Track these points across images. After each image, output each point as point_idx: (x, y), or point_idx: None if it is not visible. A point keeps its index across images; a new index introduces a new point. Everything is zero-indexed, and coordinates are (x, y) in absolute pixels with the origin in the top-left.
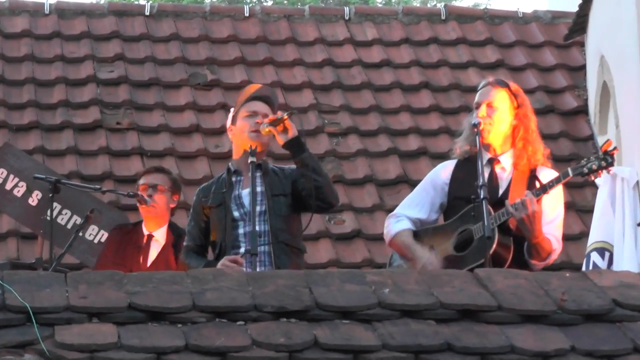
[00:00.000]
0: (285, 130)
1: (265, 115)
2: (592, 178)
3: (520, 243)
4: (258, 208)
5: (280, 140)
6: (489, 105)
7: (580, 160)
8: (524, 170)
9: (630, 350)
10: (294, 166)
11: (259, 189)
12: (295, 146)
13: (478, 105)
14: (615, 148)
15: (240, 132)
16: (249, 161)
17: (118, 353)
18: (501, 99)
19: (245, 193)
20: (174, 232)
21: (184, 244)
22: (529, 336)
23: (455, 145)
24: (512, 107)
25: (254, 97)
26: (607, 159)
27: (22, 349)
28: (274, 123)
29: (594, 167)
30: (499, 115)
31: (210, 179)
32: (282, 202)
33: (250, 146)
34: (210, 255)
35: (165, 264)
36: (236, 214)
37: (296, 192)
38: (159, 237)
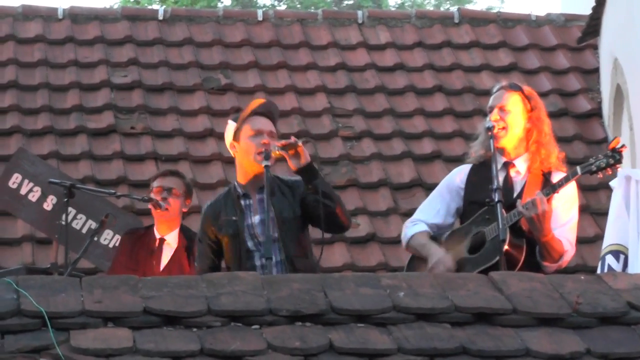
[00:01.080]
0: (297, 155)
1: (270, 134)
2: (601, 176)
3: (533, 246)
4: (272, 235)
5: (293, 165)
6: (502, 109)
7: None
8: (537, 173)
9: None
10: (299, 178)
11: (270, 214)
12: (307, 173)
13: (491, 109)
14: (623, 145)
15: (246, 154)
16: (263, 165)
17: (133, 358)
18: (514, 103)
19: (257, 221)
20: (186, 235)
21: (196, 266)
22: (544, 339)
23: (471, 150)
24: (525, 110)
25: (258, 113)
26: (615, 156)
27: (38, 353)
28: (285, 148)
29: (602, 164)
30: (512, 118)
31: (219, 193)
32: (293, 227)
33: (265, 149)
34: None
35: (179, 267)
36: (250, 244)
37: (306, 210)
38: (171, 241)
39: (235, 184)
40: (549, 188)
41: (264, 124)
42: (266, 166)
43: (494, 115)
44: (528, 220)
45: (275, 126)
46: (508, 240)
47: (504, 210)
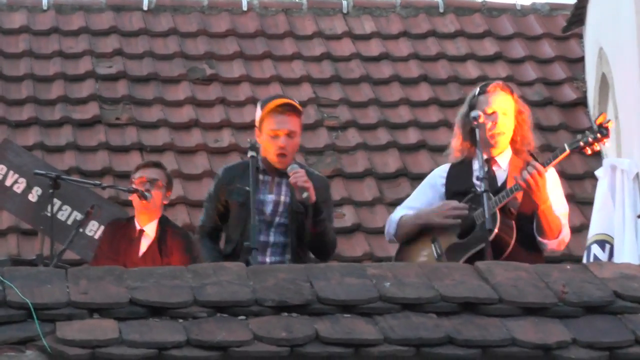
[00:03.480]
0: (305, 199)
1: (289, 134)
2: (588, 152)
3: (524, 231)
4: (277, 219)
5: (298, 196)
6: (505, 114)
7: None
8: (520, 166)
9: (632, 342)
10: (318, 176)
11: (282, 197)
12: (308, 209)
13: (493, 111)
14: (609, 120)
15: (267, 149)
16: (248, 155)
17: (119, 348)
18: (511, 106)
19: (269, 199)
20: (162, 226)
21: (200, 223)
22: (530, 329)
23: (455, 149)
24: (515, 112)
25: (279, 111)
26: (602, 131)
27: (24, 345)
28: (297, 186)
29: (590, 139)
30: (510, 122)
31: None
32: (303, 220)
33: (250, 140)
34: (222, 245)
35: (152, 259)
36: (256, 218)
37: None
38: (149, 232)
39: (260, 157)
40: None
41: (283, 123)
42: (252, 156)
43: (500, 119)
44: (526, 187)
45: (300, 123)
46: (498, 222)
47: (492, 195)
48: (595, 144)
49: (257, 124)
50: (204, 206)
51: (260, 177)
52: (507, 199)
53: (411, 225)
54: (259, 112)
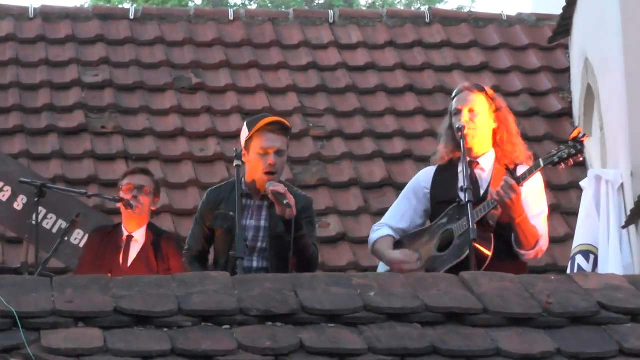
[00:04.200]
0: (286, 205)
1: (278, 152)
2: (564, 167)
3: (504, 241)
4: (259, 244)
5: (278, 211)
6: (471, 110)
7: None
8: (502, 169)
9: (616, 353)
10: (302, 194)
11: (262, 222)
12: (288, 225)
13: (458, 111)
14: (584, 135)
15: (254, 168)
16: (234, 164)
17: (104, 357)
18: (481, 104)
19: (251, 225)
20: (153, 231)
21: (186, 247)
22: (515, 339)
23: (438, 153)
24: (491, 110)
25: (268, 130)
26: (576, 147)
27: (9, 353)
28: (276, 195)
29: (564, 155)
30: (480, 119)
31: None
32: (284, 242)
33: (236, 150)
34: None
35: (146, 264)
36: (242, 226)
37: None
38: (139, 238)
39: (243, 180)
40: (514, 179)
41: (273, 141)
42: (237, 166)
43: (464, 116)
44: (501, 204)
45: (287, 141)
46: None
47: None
48: (570, 159)
49: (243, 143)
50: (191, 228)
51: (243, 201)
52: (484, 213)
53: (379, 257)
54: (245, 132)
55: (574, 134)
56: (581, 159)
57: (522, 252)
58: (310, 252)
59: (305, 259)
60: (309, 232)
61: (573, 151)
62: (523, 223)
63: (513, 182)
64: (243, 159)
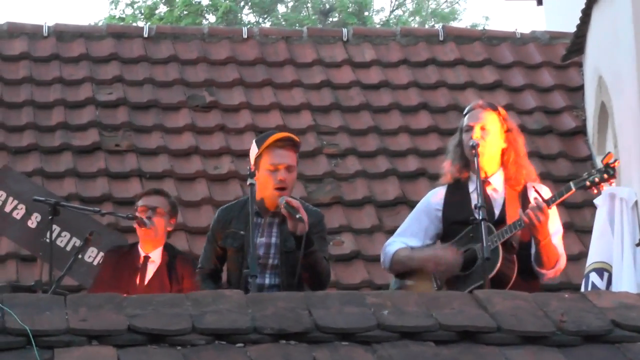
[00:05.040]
0: (298, 220)
1: (288, 168)
2: (595, 191)
3: (522, 260)
4: (270, 261)
5: (290, 227)
6: (482, 128)
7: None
8: (515, 190)
9: None
10: (314, 209)
11: (272, 239)
12: (299, 241)
13: (470, 128)
14: (616, 160)
15: (264, 185)
16: (248, 183)
17: None
18: (493, 122)
19: (262, 242)
20: (169, 252)
21: (199, 266)
22: (529, 357)
23: (444, 171)
24: (502, 130)
25: (278, 146)
26: (608, 172)
27: None
28: (289, 209)
29: (597, 179)
30: (491, 138)
31: (215, 204)
32: (294, 258)
33: (249, 168)
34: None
35: (160, 284)
36: (255, 244)
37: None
38: (155, 258)
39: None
40: (544, 201)
41: (282, 157)
42: (250, 184)
43: (476, 133)
44: (531, 227)
45: (296, 157)
46: (501, 258)
47: (493, 227)
48: (602, 184)
49: (252, 161)
50: (204, 247)
51: (255, 219)
52: (509, 234)
53: (404, 265)
54: (255, 150)
55: (606, 159)
56: (613, 184)
57: (543, 271)
58: (322, 267)
59: (316, 274)
60: (320, 247)
61: (605, 176)
62: (548, 244)
63: (543, 204)
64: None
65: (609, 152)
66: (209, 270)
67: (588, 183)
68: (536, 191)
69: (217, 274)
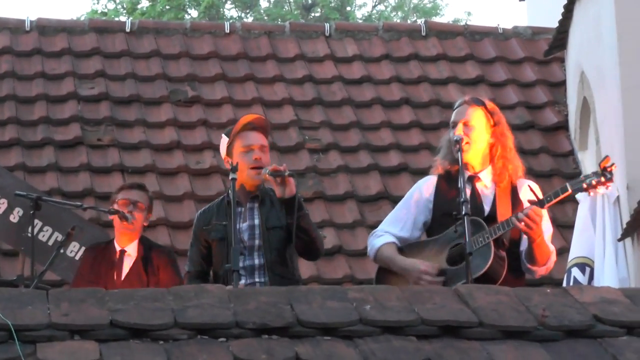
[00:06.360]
0: (283, 185)
1: (261, 148)
2: (590, 193)
3: (512, 257)
4: (256, 242)
5: (278, 193)
6: (466, 124)
7: (576, 176)
8: (506, 187)
9: None
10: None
11: (255, 221)
12: (290, 205)
13: (455, 124)
14: (613, 164)
15: (241, 170)
16: (230, 177)
17: None
18: (478, 118)
19: (245, 227)
20: (145, 245)
21: (186, 269)
22: (510, 352)
23: (435, 163)
24: (488, 125)
25: (249, 128)
26: (606, 175)
27: None
28: (274, 174)
29: (593, 182)
30: (476, 133)
31: (197, 199)
32: (277, 236)
33: (231, 163)
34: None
35: (138, 277)
36: (238, 239)
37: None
38: (131, 252)
39: (230, 191)
40: (538, 202)
41: (255, 138)
42: (232, 179)
43: (458, 130)
44: (524, 227)
45: (267, 140)
46: (492, 254)
47: (485, 224)
48: (598, 187)
49: (224, 152)
50: (188, 252)
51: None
52: (501, 232)
53: (386, 265)
54: (225, 140)
55: (604, 163)
56: (609, 187)
57: (535, 268)
58: (316, 232)
59: (312, 239)
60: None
61: (602, 179)
62: (541, 243)
63: (536, 207)
64: (227, 166)
65: (606, 156)
66: (195, 272)
67: (585, 185)
68: (532, 191)
69: (204, 275)
